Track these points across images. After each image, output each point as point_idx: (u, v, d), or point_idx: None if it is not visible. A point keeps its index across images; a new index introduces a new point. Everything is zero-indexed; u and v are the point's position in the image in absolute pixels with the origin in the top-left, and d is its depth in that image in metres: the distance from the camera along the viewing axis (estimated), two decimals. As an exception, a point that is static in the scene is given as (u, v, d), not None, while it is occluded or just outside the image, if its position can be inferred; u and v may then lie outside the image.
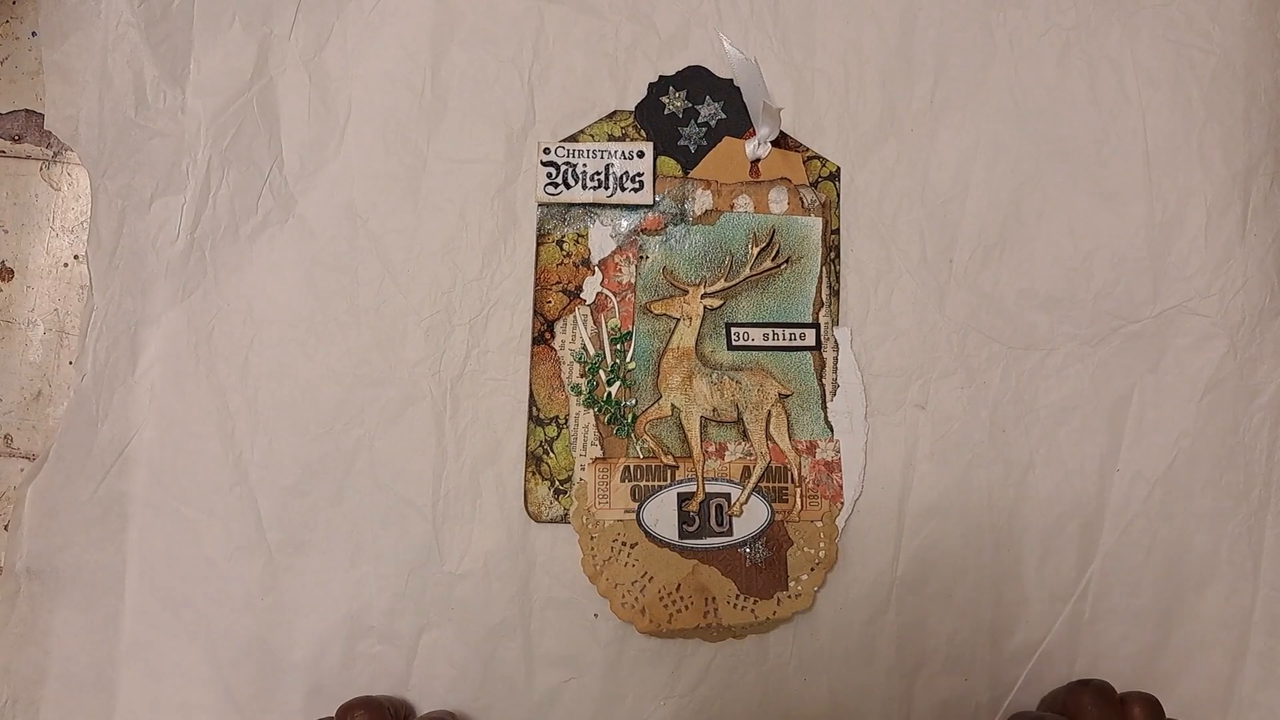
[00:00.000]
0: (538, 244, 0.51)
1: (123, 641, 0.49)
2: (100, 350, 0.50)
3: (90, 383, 0.50)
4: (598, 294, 0.51)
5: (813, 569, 0.49)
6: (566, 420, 0.50)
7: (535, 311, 0.51)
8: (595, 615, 0.49)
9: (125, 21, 0.50)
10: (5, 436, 0.53)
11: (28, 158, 0.54)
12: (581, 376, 0.50)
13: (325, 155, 0.51)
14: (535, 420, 0.50)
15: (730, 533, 0.50)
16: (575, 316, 0.51)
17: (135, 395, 0.50)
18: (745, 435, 0.50)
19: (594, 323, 0.51)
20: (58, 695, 0.49)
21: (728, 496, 0.50)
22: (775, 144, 0.52)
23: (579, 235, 0.51)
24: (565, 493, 0.50)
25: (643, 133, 0.52)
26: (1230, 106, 0.52)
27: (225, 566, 0.49)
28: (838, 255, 0.52)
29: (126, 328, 0.50)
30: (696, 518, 0.50)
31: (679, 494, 0.50)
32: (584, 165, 0.51)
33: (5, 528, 0.52)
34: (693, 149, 0.52)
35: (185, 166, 0.51)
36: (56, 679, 0.49)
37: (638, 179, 0.51)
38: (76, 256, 0.54)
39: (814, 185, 0.52)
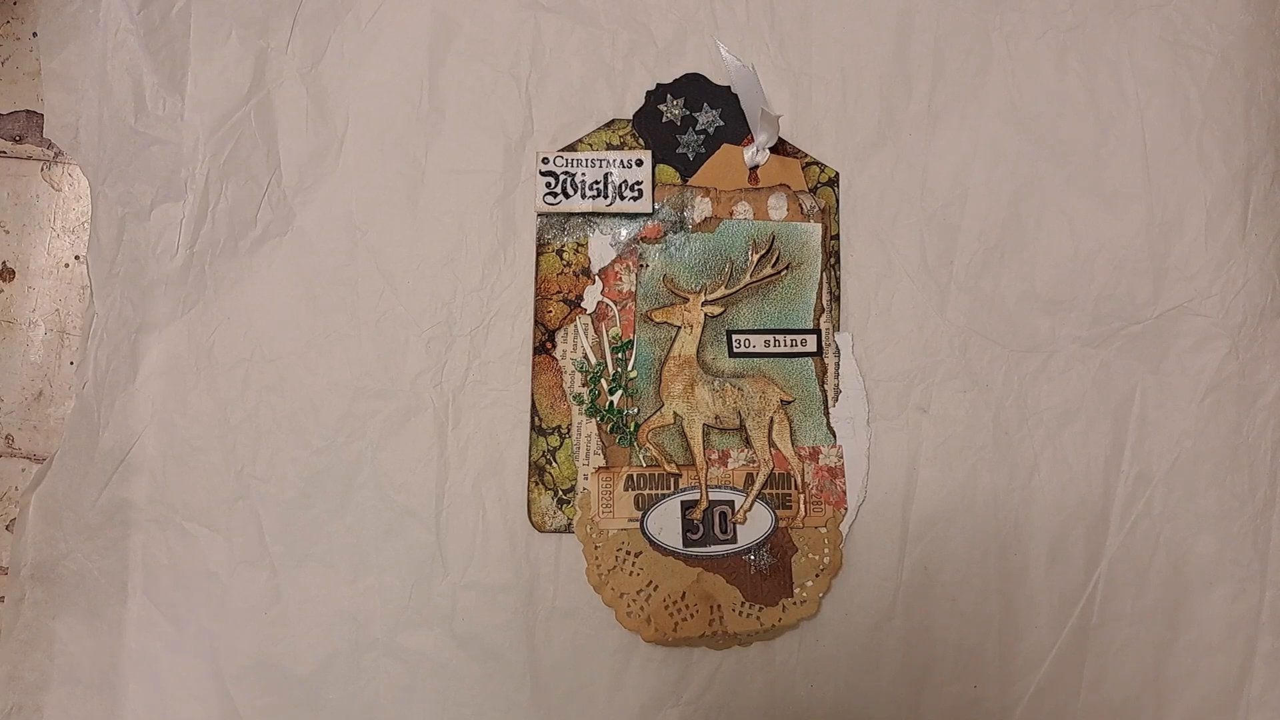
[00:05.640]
0: (537, 254, 0.51)
1: (126, 653, 0.49)
2: (101, 357, 0.50)
3: (91, 390, 0.50)
4: (598, 303, 0.51)
5: (818, 575, 0.49)
6: (569, 430, 0.50)
7: (536, 321, 0.51)
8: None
9: (124, 29, 0.50)
10: (7, 437, 0.53)
11: (29, 158, 0.54)
12: (583, 386, 0.50)
13: (324, 168, 0.51)
14: (537, 430, 0.50)
15: (734, 540, 0.50)
16: (576, 326, 0.51)
17: (136, 402, 0.50)
18: (748, 442, 0.50)
19: (595, 332, 0.51)
20: (61, 701, 0.49)
21: (731, 504, 0.50)
22: (774, 150, 0.52)
23: (579, 244, 0.51)
24: (569, 502, 0.50)
25: (641, 141, 0.52)
26: (1229, 106, 0.52)
27: (229, 580, 0.49)
28: (838, 261, 0.52)
29: (127, 334, 0.50)
30: (700, 526, 0.50)
31: (682, 502, 0.50)
32: (583, 174, 0.51)
33: (8, 528, 0.52)
34: (691, 157, 0.52)
35: (184, 179, 0.51)
36: (60, 685, 0.49)
37: (637, 187, 0.51)
38: (77, 257, 0.54)
39: (813, 191, 0.52)
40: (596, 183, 0.51)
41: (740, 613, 0.49)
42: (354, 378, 0.50)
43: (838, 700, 0.49)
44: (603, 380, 0.50)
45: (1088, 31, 0.52)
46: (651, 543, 0.49)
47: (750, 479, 0.50)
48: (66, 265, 0.54)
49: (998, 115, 0.52)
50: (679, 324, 0.51)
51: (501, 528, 0.50)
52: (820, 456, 0.50)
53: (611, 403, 0.50)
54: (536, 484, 0.50)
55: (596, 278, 0.51)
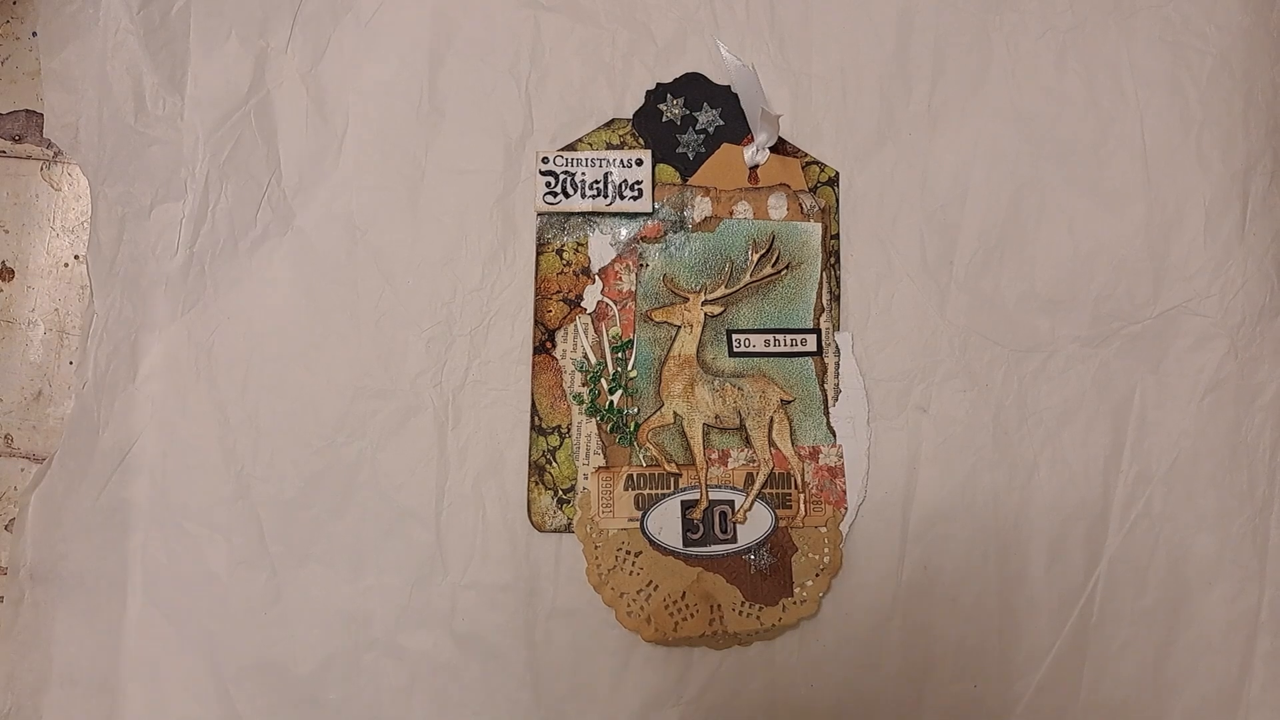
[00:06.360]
0: (537, 253, 0.51)
1: (126, 653, 0.49)
2: (101, 357, 0.50)
3: (91, 390, 0.50)
4: (598, 302, 0.51)
5: (818, 575, 0.49)
6: (569, 429, 0.50)
7: (536, 321, 0.51)
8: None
9: (124, 29, 0.50)
10: (6, 436, 0.53)
11: (28, 158, 0.54)
12: (583, 385, 0.50)
13: (323, 168, 0.51)
14: (537, 430, 0.50)
15: (734, 540, 0.50)
16: (576, 325, 0.51)
17: (136, 402, 0.50)
18: (748, 442, 0.50)
19: (595, 331, 0.51)
20: (60, 702, 0.49)
21: (731, 503, 0.50)
22: (774, 150, 0.52)
23: (579, 244, 0.51)
24: (569, 502, 0.50)
25: (641, 140, 0.52)
26: (1228, 106, 0.52)
27: (228, 580, 0.49)
28: (838, 260, 0.52)
29: (127, 334, 0.50)
30: (700, 525, 0.50)
31: (682, 502, 0.50)
32: (583, 174, 0.51)
33: (7, 528, 0.52)
34: (691, 156, 0.52)
35: (184, 179, 0.51)
36: (59, 686, 0.49)
37: (636, 187, 0.51)
38: (77, 256, 0.54)
39: (813, 191, 0.52)
40: (596, 182, 0.51)
41: (740, 612, 0.49)
42: (354, 378, 0.50)
43: (838, 700, 0.49)
44: (603, 380, 0.50)
45: (1087, 31, 0.52)
46: (651, 542, 0.49)
47: (750, 479, 0.50)
48: (66, 265, 0.54)
49: (998, 115, 0.52)
50: (679, 324, 0.51)
51: (501, 528, 0.50)
52: (820, 456, 0.50)
53: (611, 402, 0.50)
54: (536, 484, 0.50)
55: (596, 277, 0.51)
